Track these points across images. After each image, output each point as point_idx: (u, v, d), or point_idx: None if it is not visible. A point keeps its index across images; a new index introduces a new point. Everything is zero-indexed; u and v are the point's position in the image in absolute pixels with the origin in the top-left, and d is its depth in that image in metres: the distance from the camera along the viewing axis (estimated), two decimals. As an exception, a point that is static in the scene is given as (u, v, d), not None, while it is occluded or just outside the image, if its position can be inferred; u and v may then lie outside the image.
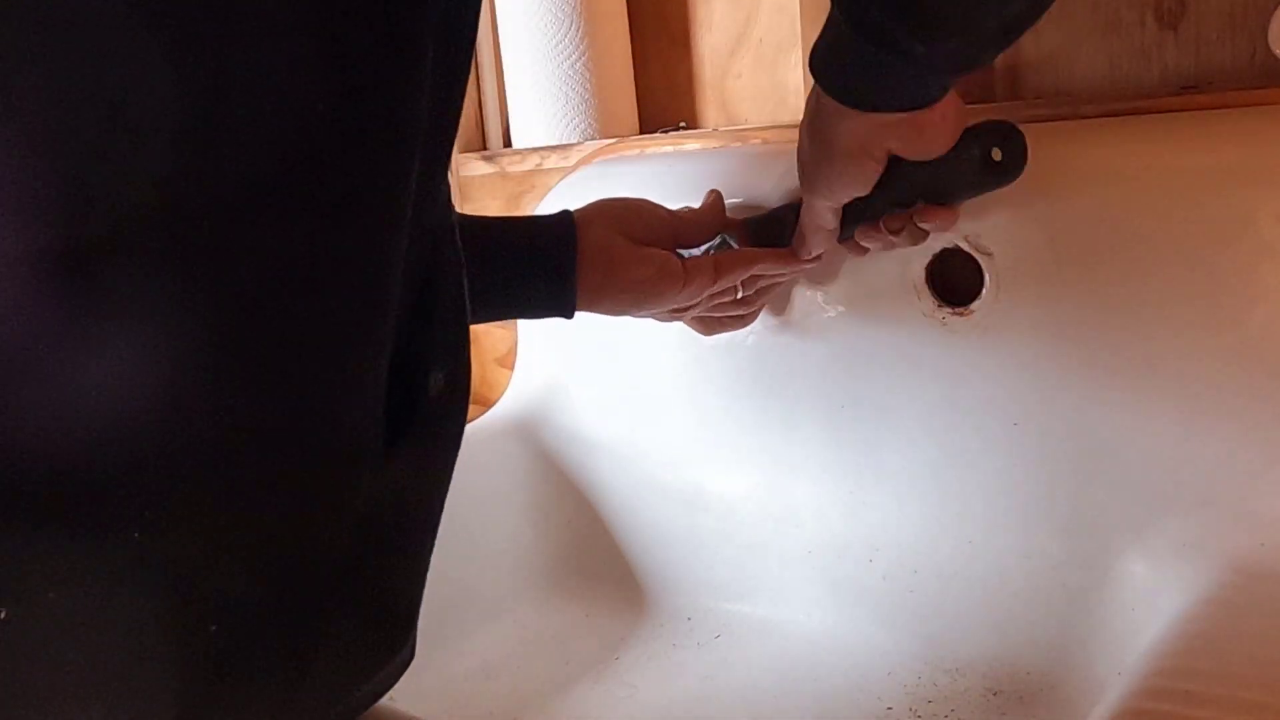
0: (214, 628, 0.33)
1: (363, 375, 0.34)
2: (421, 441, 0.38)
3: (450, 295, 0.40)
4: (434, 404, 0.39)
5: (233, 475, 0.33)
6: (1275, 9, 0.63)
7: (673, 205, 0.71)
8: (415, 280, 0.37)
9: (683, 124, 0.96)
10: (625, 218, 0.67)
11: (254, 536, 0.33)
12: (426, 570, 0.40)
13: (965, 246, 0.65)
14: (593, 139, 0.93)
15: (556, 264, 0.64)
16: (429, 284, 0.39)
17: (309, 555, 0.34)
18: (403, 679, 0.70)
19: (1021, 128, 0.58)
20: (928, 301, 0.67)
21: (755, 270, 0.66)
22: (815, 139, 0.58)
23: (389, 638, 0.38)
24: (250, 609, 0.33)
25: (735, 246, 0.68)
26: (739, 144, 0.80)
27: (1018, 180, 0.58)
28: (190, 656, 0.33)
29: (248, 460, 0.33)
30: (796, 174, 0.63)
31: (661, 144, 0.84)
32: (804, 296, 0.72)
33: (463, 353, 0.42)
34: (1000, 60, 0.79)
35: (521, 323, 0.90)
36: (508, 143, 1.03)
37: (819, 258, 0.66)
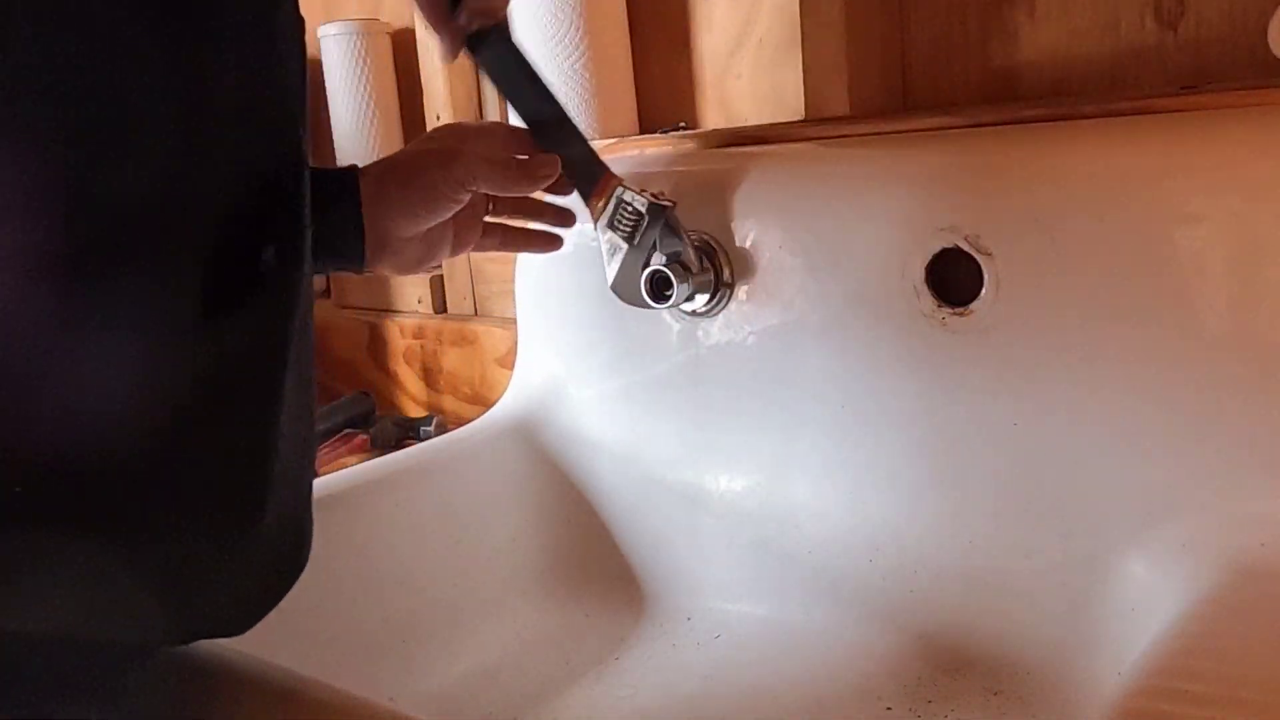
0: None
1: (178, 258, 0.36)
2: (253, 313, 0.39)
3: (285, 181, 0.41)
4: (265, 279, 0.39)
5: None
6: (1275, 9, 0.63)
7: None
8: (244, 169, 0.38)
9: (683, 124, 0.96)
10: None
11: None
12: (275, 437, 0.40)
13: (965, 246, 0.65)
14: (592, 139, 0.93)
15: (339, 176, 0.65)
16: (259, 174, 0.40)
17: (144, 415, 0.36)
18: (403, 679, 0.70)
19: (1022, 128, 0.58)
20: (928, 301, 0.67)
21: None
22: None
23: (233, 499, 0.39)
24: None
25: None
26: (738, 144, 0.80)
27: (1017, 180, 0.58)
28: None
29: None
30: (791, 172, 0.63)
31: (661, 144, 0.84)
32: (804, 296, 0.72)
33: (297, 226, 0.42)
34: (1000, 60, 0.79)
35: (521, 322, 0.90)
36: (508, 143, 1.03)
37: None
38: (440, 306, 1.12)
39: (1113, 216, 0.60)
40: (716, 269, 0.75)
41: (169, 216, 0.37)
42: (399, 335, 1.16)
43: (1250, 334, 0.57)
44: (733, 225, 0.75)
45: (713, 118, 0.95)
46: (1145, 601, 0.56)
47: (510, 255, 0.95)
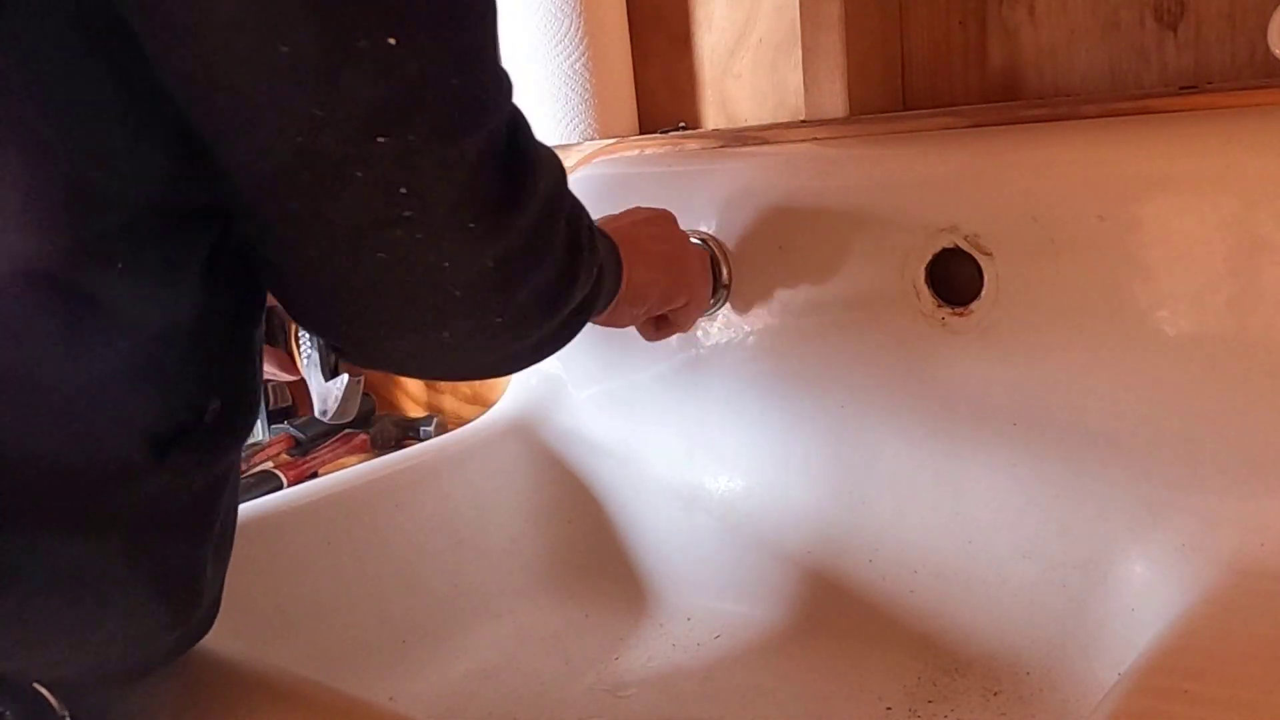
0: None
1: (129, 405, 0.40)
2: (193, 456, 0.42)
3: (234, 337, 0.44)
4: (207, 428, 0.43)
5: None
6: (1275, 9, 0.63)
7: (671, 207, 0.71)
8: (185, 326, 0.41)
9: (683, 124, 0.96)
10: None
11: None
12: (206, 556, 0.45)
13: (965, 246, 0.65)
14: (592, 139, 0.93)
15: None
16: (205, 331, 0.42)
17: (94, 534, 0.39)
18: (403, 679, 0.70)
19: (1021, 128, 0.58)
20: (927, 301, 0.67)
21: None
22: None
23: (171, 610, 0.44)
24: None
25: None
26: (738, 144, 0.80)
27: (1018, 180, 0.58)
28: None
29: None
30: (791, 172, 0.63)
31: (661, 144, 0.84)
32: (804, 296, 0.72)
33: (243, 384, 0.45)
34: (1000, 60, 0.79)
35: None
36: (508, 143, 1.03)
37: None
38: (440, 306, 1.12)
39: (1112, 216, 0.60)
40: (716, 269, 0.75)
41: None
42: (399, 335, 1.16)
43: (1250, 334, 0.57)
44: (733, 225, 0.75)
45: (713, 118, 0.95)
46: (1145, 601, 0.56)
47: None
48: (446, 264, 0.41)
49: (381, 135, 0.36)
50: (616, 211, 0.70)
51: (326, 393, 0.71)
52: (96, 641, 0.42)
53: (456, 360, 0.49)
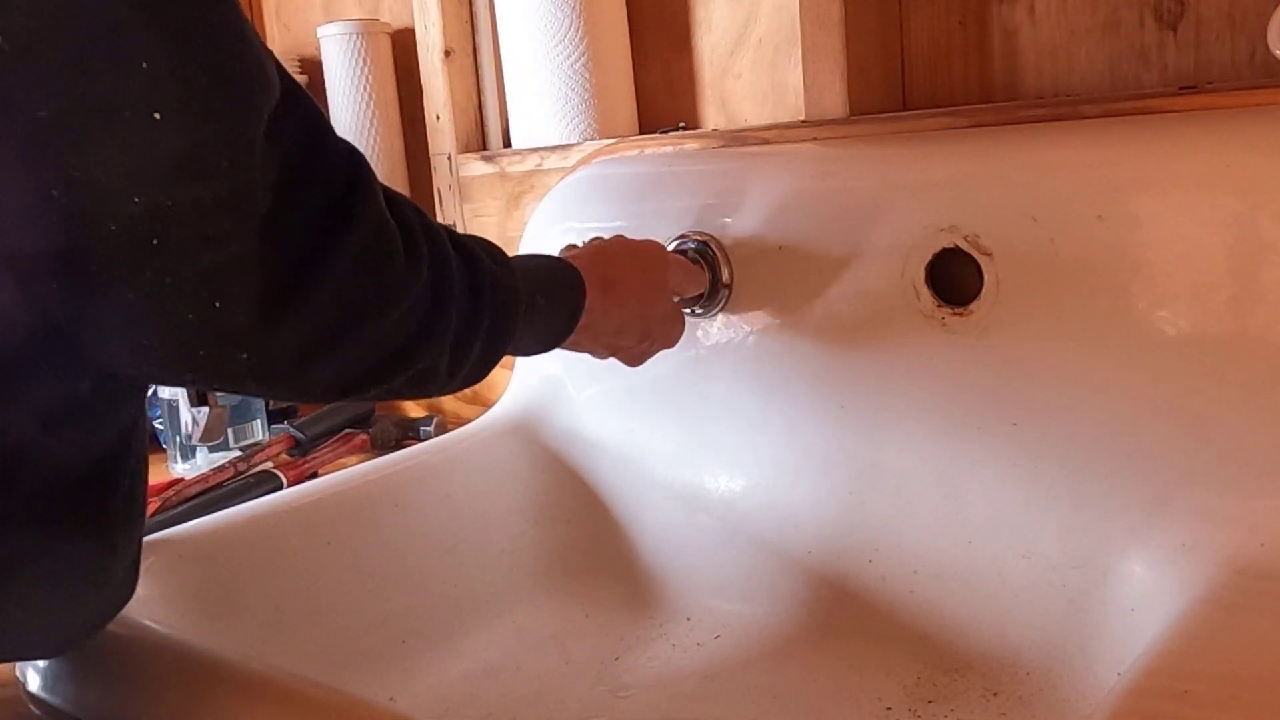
0: None
1: None
2: (84, 425, 0.44)
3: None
4: (98, 395, 0.43)
5: None
6: (1275, 9, 0.63)
7: (671, 207, 0.71)
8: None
9: (682, 124, 0.96)
10: None
11: None
12: (114, 522, 0.46)
13: (965, 246, 0.65)
14: (592, 139, 0.93)
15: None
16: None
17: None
18: (403, 679, 0.70)
19: (1021, 128, 0.58)
20: (927, 301, 0.67)
21: None
22: None
23: (86, 579, 0.46)
24: None
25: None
26: (738, 144, 0.80)
27: (1018, 180, 0.58)
28: None
29: None
30: (791, 172, 0.63)
31: (661, 144, 0.84)
32: (804, 296, 0.72)
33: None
34: (1000, 60, 0.79)
35: (521, 323, 0.90)
36: (507, 143, 1.03)
37: None
38: (440, 306, 1.12)
39: (1112, 216, 0.60)
40: (716, 269, 0.75)
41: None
42: (399, 335, 1.16)
43: (1250, 334, 0.57)
44: (733, 225, 0.75)
45: (713, 118, 0.95)
46: (1145, 601, 0.56)
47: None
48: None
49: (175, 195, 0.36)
50: (616, 212, 0.71)
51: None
52: (13, 619, 0.43)
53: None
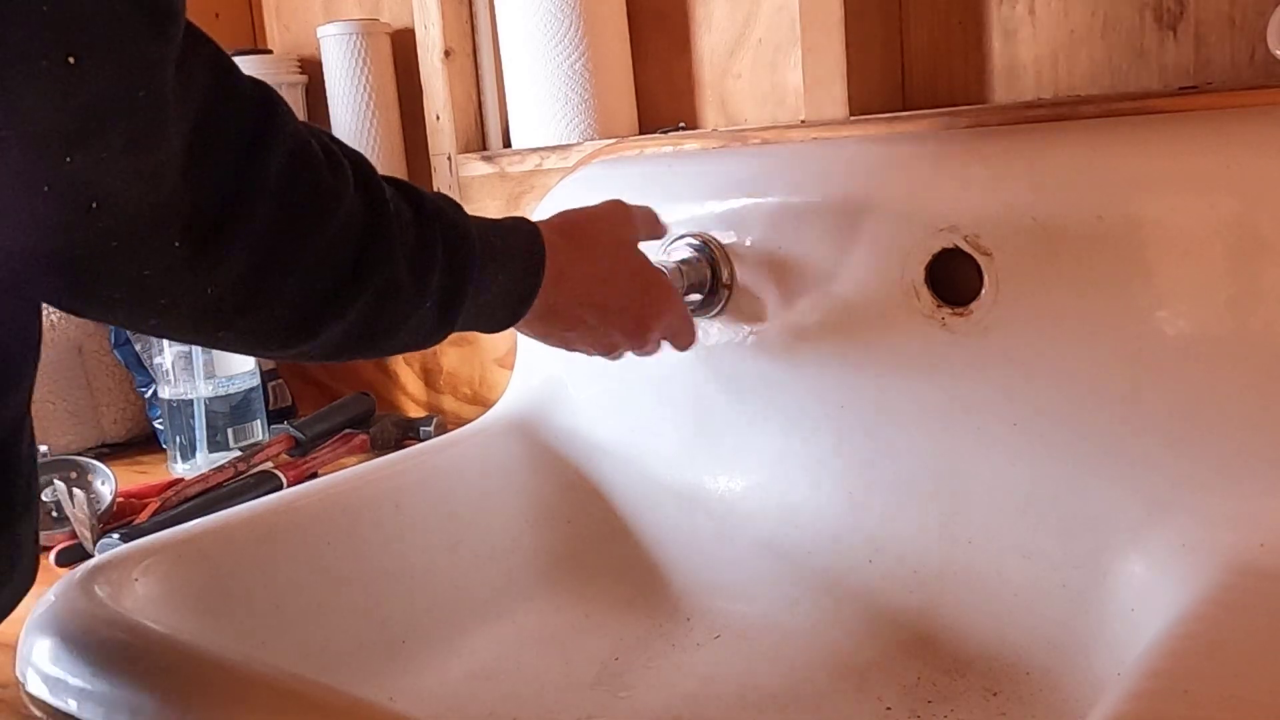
0: None
1: None
2: None
3: None
4: None
5: None
6: (1275, 9, 0.63)
7: (671, 207, 0.71)
8: None
9: (682, 124, 0.96)
10: None
11: None
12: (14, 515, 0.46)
13: (965, 246, 0.65)
14: (592, 139, 0.93)
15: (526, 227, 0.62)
16: None
17: None
18: (403, 679, 0.70)
19: (1021, 128, 0.58)
20: (927, 301, 0.67)
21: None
22: None
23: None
24: None
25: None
26: (738, 144, 0.80)
27: (1018, 180, 0.58)
28: None
29: None
30: (791, 172, 0.63)
31: (661, 144, 0.84)
32: (804, 296, 0.72)
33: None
34: (1000, 60, 0.79)
35: (521, 323, 0.89)
36: (507, 143, 1.03)
37: None
38: (440, 306, 1.12)
39: (1112, 216, 0.60)
40: (716, 269, 0.75)
41: None
42: (399, 335, 1.16)
43: (1250, 334, 0.57)
44: (733, 225, 0.75)
45: (713, 118, 0.95)
46: (1145, 601, 0.56)
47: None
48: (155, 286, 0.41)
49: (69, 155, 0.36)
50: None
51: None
52: None
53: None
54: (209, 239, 0.41)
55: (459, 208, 0.55)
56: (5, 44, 0.33)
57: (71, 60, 0.34)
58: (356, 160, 0.49)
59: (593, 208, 0.67)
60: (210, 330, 0.45)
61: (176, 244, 0.40)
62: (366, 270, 0.48)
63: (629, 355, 0.70)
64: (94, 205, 0.37)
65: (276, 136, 0.44)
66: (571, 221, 0.65)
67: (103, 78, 0.35)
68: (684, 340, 0.72)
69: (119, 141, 0.36)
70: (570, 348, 0.67)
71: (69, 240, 0.38)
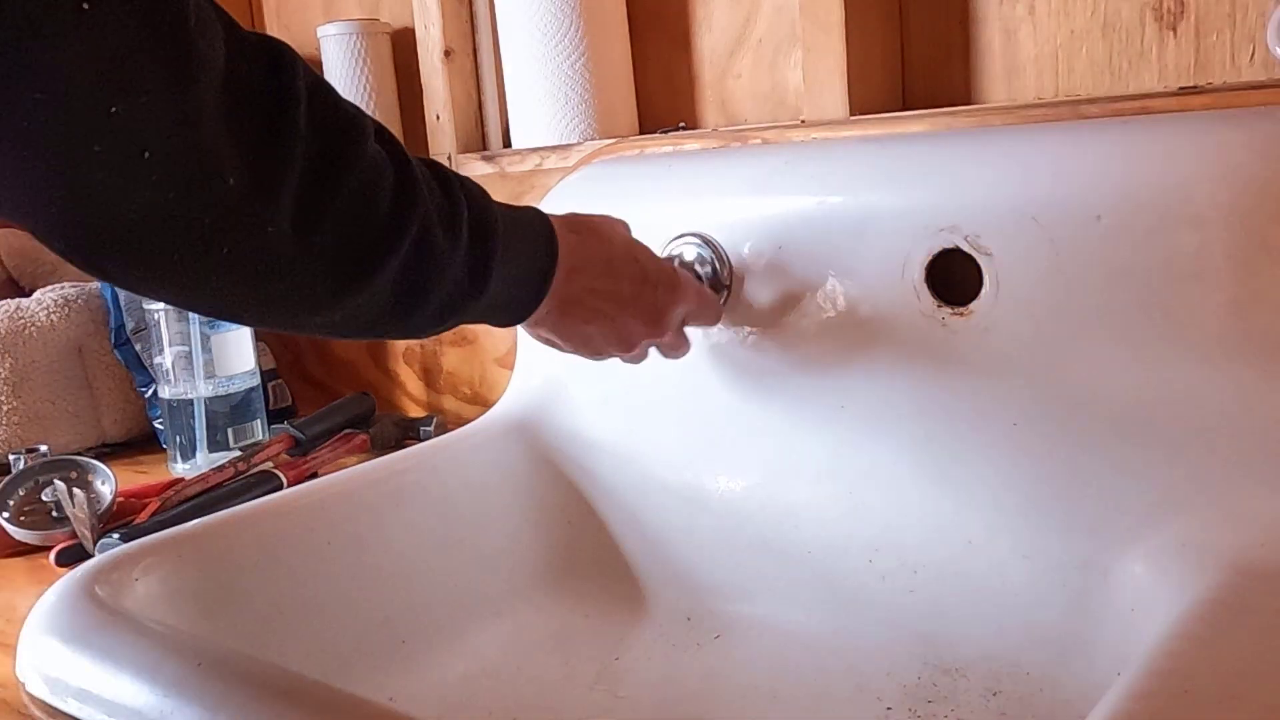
0: None
1: None
2: None
3: None
4: None
5: None
6: (1275, 9, 0.63)
7: (671, 207, 0.71)
8: None
9: (682, 124, 0.96)
10: None
11: None
12: None
13: (965, 246, 0.65)
14: (592, 139, 0.93)
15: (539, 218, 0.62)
16: None
17: None
18: (403, 679, 0.70)
19: (1022, 128, 0.58)
20: (927, 301, 0.67)
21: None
22: None
23: None
24: None
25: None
26: (738, 144, 0.80)
27: (1018, 180, 0.58)
28: None
29: None
30: (791, 172, 0.63)
31: (661, 144, 0.84)
32: (804, 296, 0.72)
33: None
34: (1000, 60, 0.79)
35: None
36: (507, 143, 1.03)
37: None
38: (440, 306, 1.13)
39: (1112, 216, 0.60)
40: (716, 269, 0.75)
41: None
42: (399, 335, 1.16)
43: (1249, 334, 0.57)
44: (733, 225, 0.75)
45: (713, 118, 0.95)
46: (1145, 601, 0.56)
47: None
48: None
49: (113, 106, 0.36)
50: (616, 212, 0.70)
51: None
52: None
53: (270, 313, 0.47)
54: (259, 171, 0.41)
55: (470, 179, 0.56)
56: (19, 5, 0.33)
57: (86, 5, 0.34)
58: (368, 117, 0.49)
59: (591, 214, 0.68)
60: (268, 281, 0.44)
61: (231, 181, 0.40)
62: (402, 212, 0.48)
63: (654, 353, 0.71)
64: (146, 154, 0.37)
65: (295, 72, 0.44)
66: (575, 217, 0.65)
67: (124, 18, 0.35)
68: (708, 319, 0.72)
69: (156, 83, 0.37)
70: (593, 349, 0.67)
71: (128, 201, 0.38)
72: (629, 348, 0.68)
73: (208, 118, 0.39)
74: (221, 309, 0.46)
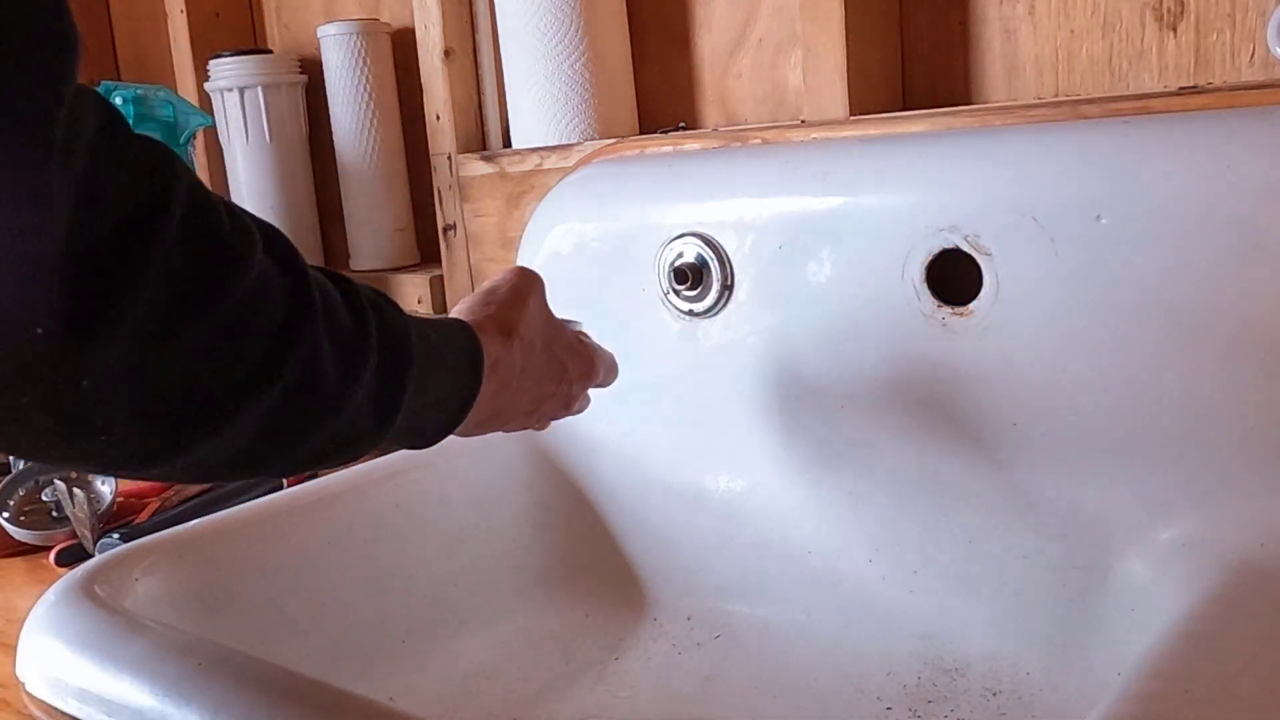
0: None
1: None
2: None
3: None
4: None
5: None
6: (1275, 8, 0.63)
7: (671, 207, 0.71)
8: None
9: (682, 124, 0.96)
10: None
11: None
12: None
13: (965, 246, 0.65)
14: (592, 139, 0.93)
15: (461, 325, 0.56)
16: None
17: None
18: (403, 679, 0.70)
19: (1022, 128, 0.58)
20: (927, 301, 0.67)
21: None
22: None
23: None
24: None
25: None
26: (738, 144, 0.80)
27: (1018, 180, 0.58)
28: None
29: None
30: (791, 172, 0.63)
31: (661, 144, 0.84)
32: (804, 296, 0.72)
33: None
34: (1000, 60, 0.79)
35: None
36: (507, 143, 1.03)
37: None
38: (440, 306, 1.12)
39: (1112, 216, 0.60)
40: (716, 269, 0.75)
41: None
42: (399, 335, 1.16)
43: (1250, 334, 0.57)
44: (733, 225, 0.75)
45: (713, 118, 0.95)
46: (1145, 601, 0.56)
47: (510, 255, 0.95)
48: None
49: None
50: (616, 212, 0.70)
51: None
52: None
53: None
54: (88, 316, 0.33)
55: (389, 298, 0.49)
56: None
57: None
58: (271, 232, 0.41)
59: (511, 283, 0.63)
60: (76, 439, 0.36)
61: (40, 330, 0.32)
62: (282, 350, 0.40)
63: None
64: None
65: (173, 193, 0.36)
66: (498, 316, 0.60)
67: None
68: (612, 379, 0.71)
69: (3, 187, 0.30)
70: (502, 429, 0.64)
71: None
72: (541, 426, 0.67)
73: (48, 239, 0.32)
74: (24, 456, 0.39)
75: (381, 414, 0.46)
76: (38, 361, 0.33)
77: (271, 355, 0.39)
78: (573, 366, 0.65)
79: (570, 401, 0.67)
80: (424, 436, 0.53)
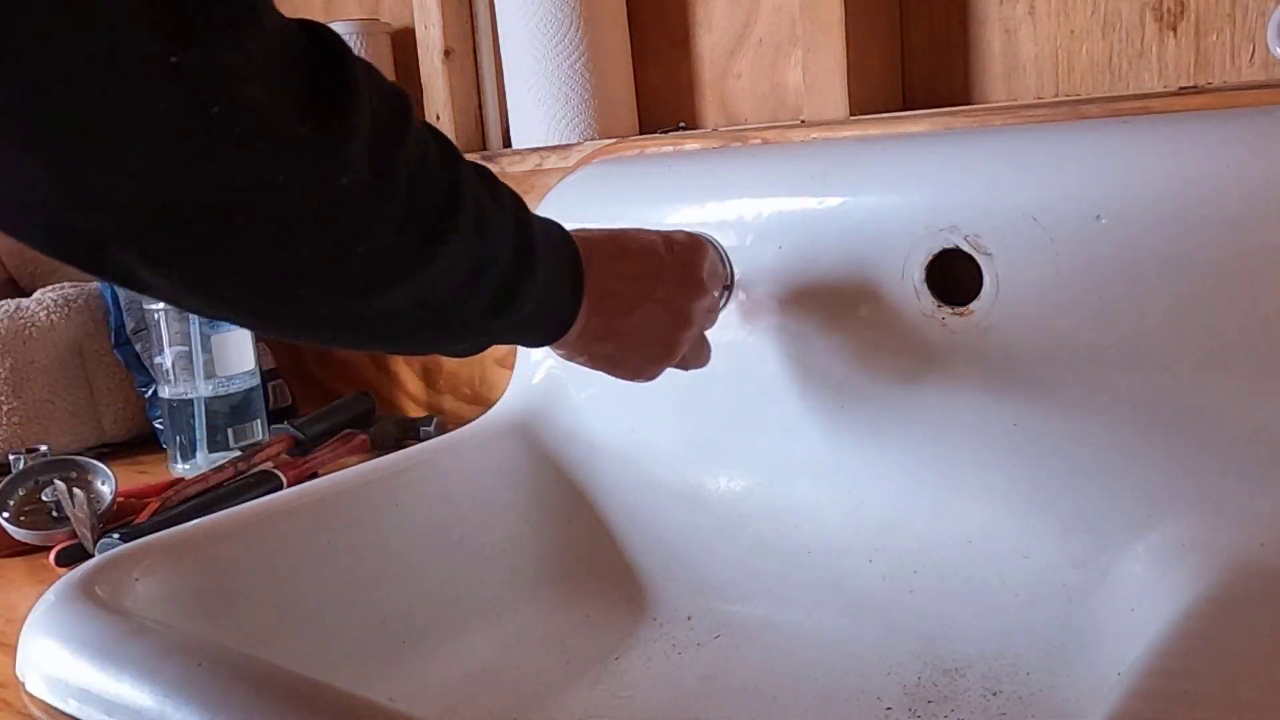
0: None
1: None
2: None
3: None
4: None
5: None
6: (1275, 8, 0.63)
7: (671, 207, 0.71)
8: None
9: (682, 124, 0.96)
10: None
11: None
12: None
13: (965, 246, 0.65)
14: (592, 139, 0.93)
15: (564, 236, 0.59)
16: None
17: None
18: (403, 678, 0.70)
19: (1022, 128, 0.58)
20: (927, 301, 0.67)
21: None
22: None
23: None
24: None
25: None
26: (738, 144, 0.80)
27: (1018, 180, 0.58)
28: None
29: None
30: (791, 172, 0.63)
31: (661, 144, 0.84)
32: (804, 296, 0.72)
33: None
34: (1000, 60, 0.79)
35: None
36: (507, 143, 1.03)
37: None
38: (440, 306, 1.13)
39: (1112, 216, 0.60)
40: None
41: None
42: (399, 335, 1.16)
43: (1249, 334, 0.57)
44: (733, 225, 0.75)
45: (713, 118, 0.95)
46: (1145, 601, 0.56)
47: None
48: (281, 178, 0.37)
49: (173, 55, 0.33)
50: (616, 212, 0.70)
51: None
52: None
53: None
54: (329, 118, 0.39)
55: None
56: None
57: None
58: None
59: (668, 238, 0.65)
60: (342, 242, 0.40)
61: (300, 124, 0.37)
62: (456, 181, 0.46)
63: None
64: (214, 110, 0.35)
65: (344, 42, 0.43)
66: (618, 246, 0.63)
67: None
68: (698, 364, 0.71)
69: (214, 35, 0.34)
70: (632, 361, 0.66)
71: (189, 169, 0.35)
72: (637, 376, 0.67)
73: (272, 67, 0.37)
74: (287, 290, 0.41)
75: (522, 267, 0.51)
76: (304, 152, 0.38)
77: (453, 181, 0.45)
78: (673, 251, 0.65)
79: (671, 348, 0.67)
80: (553, 315, 0.57)
